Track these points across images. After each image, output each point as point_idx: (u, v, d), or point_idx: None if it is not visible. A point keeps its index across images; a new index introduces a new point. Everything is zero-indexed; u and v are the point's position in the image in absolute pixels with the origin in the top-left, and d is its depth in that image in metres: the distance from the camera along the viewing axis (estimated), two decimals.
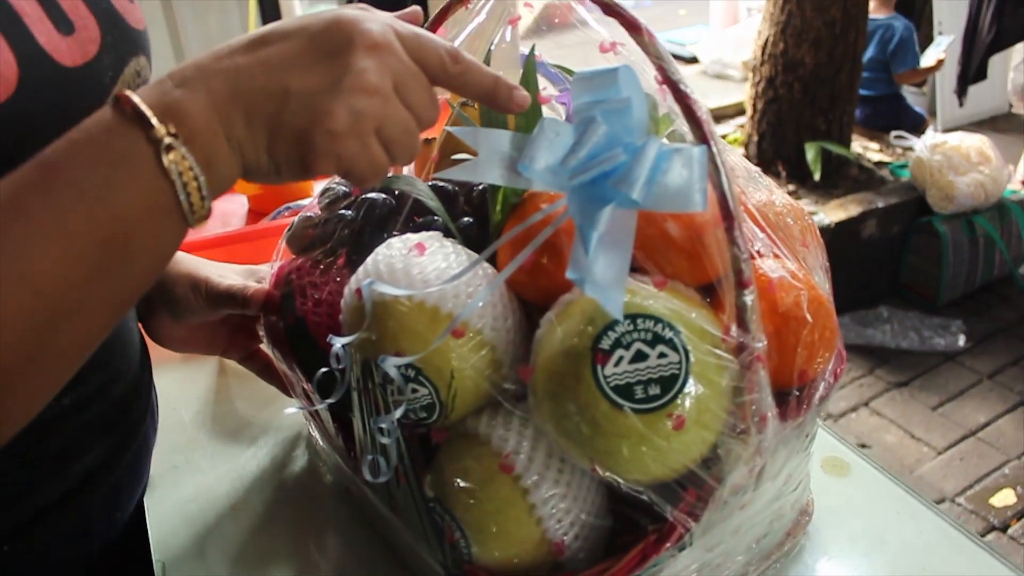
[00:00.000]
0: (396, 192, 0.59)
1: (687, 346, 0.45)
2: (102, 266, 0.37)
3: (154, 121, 0.37)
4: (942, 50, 3.48)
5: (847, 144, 3.14)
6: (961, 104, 3.35)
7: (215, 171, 0.39)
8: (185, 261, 0.70)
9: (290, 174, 0.41)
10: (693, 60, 5.05)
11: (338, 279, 0.58)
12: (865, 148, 3.33)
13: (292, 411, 0.57)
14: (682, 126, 0.48)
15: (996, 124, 4.30)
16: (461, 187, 0.60)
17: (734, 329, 0.46)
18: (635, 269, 0.49)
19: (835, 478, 0.67)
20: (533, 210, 0.52)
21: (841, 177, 3.06)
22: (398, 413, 0.49)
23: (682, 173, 0.43)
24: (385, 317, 0.50)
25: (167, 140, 0.37)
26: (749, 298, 0.46)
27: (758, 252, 0.52)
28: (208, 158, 0.38)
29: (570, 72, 0.59)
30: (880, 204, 2.77)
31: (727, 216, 0.45)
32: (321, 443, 0.66)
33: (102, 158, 0.37)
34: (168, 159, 0.37)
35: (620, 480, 0.47)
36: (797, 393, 0.52)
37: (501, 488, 0.49)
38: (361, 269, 0.53)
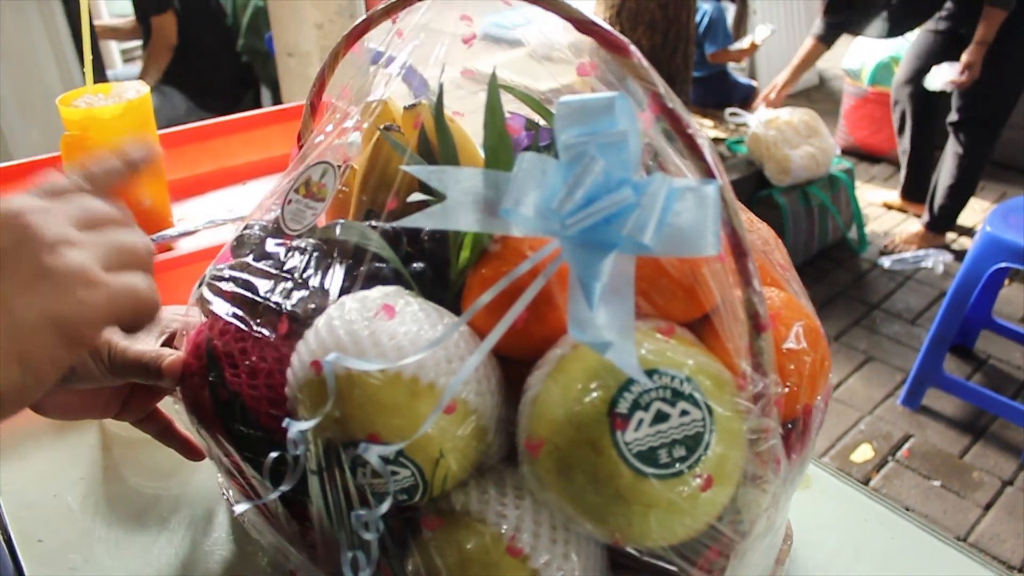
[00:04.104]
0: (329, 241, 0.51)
1: (708, 400, 0.41)
2: None
3: None
4: (759, 37, 3.66)
5: None
6: None
7: None
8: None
9: (54, 370, 0.36)
10: (517, 43, 5.05)
11: (277, 346, 0.50)
12: (701, 126, 3.45)
13: (244, 508, 0.48)
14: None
15: (809, 95, 4.59)
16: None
17: (751, 374, 0.43)
18: None
19: (800, 492, 0.66)
20: (514, 257, 0.46)
21: None
22: (385, 507, 0.43)
23: (695, 214, 0.39)
24: (354, 394, 0.43)
25: None
26: (766, 341, 0.42)
27: None
28: None
29: (533, 101, 0.53)
30: None
31: (740, 254, 0.41)
32: (258, 526, 0.57)
33: None
34: None
35: (642, 548, 0.43)
36: (796, 426, 0.49)
37: (510, 574, 0.43)
38: (312, 337, 0.46)
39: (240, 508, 0.48)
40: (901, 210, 3.32)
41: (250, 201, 1.11)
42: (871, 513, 0.64)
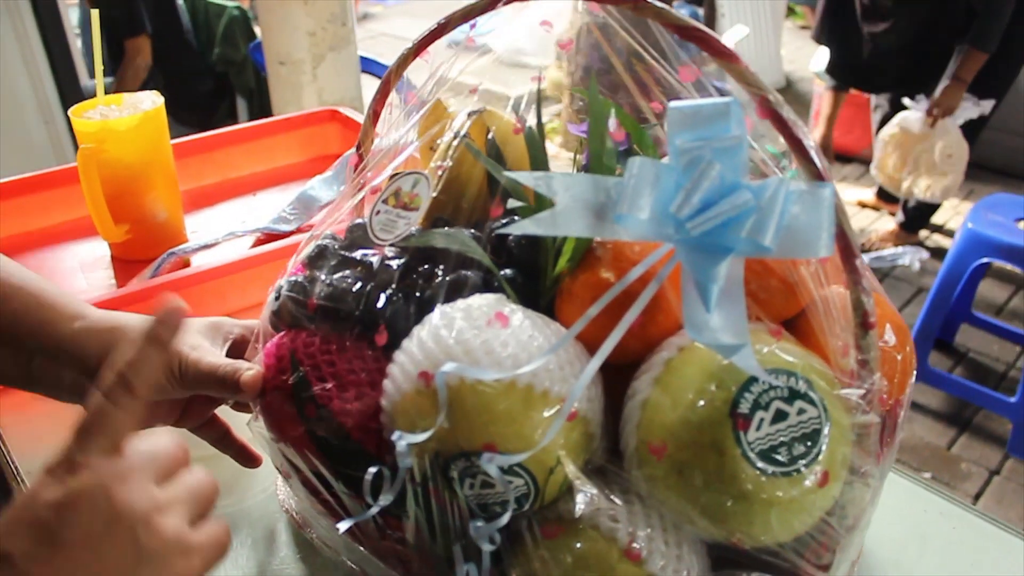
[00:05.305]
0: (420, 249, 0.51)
1: (823, 398, 0.42)
2: None
3: None
4: (733, 40, 3.70)
5: None
6: None
7: None
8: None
9: None
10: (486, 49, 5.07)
11: (367, 357, 0.49)
12: None
13: (348, 524, 0.48)
14: None
15: None
16: (477, 227, 0.53)
17: (858, 371, 0.44)
18: None
19: None
20: (620, 262, 0.47)
21: None
22: (506, 517, 0.43)
23: (811, 216, 0.40)
24: (466, 404, 0.43)
25: None
26: (872, 340, 0.43)
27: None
28: None
29: (615, 107, 0.53)
30: None
31: (850, 255, 0.42)
32: (331, 543, 0.57)
33: None
34: None
35: (759, 546, 0.44)
36: (887, 423, 0.50)
37: None
38: (417, 348, 0.45)
39: (344, 525, 0.48)
40: (875, 208, 3.38)
41: (262, 212, 1.10)
42: (929, 504, 0.65)
